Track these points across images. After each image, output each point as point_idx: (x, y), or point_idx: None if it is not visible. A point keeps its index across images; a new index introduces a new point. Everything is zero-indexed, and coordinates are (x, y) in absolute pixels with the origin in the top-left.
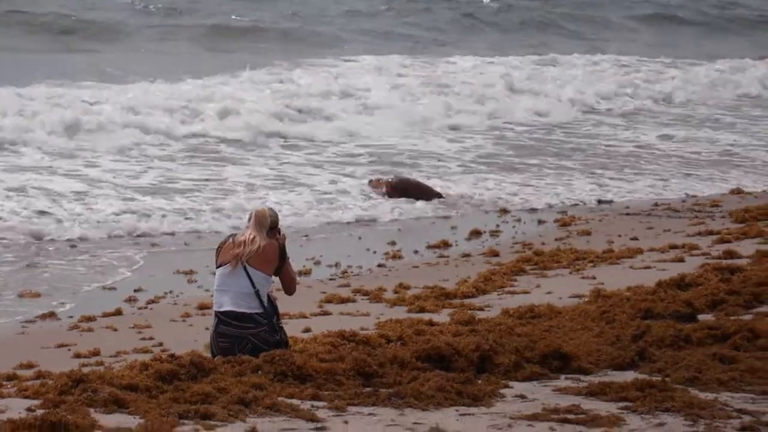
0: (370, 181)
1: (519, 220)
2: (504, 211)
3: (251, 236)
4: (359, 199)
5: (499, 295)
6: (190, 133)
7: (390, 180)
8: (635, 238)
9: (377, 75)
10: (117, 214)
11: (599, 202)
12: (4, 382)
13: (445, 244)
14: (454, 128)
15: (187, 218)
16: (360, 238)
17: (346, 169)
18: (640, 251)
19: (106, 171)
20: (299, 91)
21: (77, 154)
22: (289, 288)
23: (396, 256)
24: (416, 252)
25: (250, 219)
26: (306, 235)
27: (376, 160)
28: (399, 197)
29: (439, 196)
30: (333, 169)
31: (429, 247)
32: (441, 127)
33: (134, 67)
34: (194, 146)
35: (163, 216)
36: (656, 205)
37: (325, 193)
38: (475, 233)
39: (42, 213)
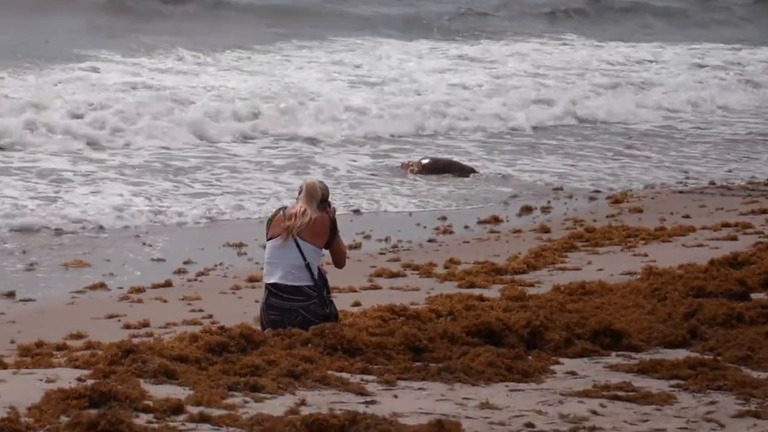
0: (402, 164)
1: (571, 197)
2: (558, 189)
3: (302, 209)
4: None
5: (549, 271)
6: None
7: (420, 160)
8: (687, 216)
9: None
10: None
11: None
12: (54, 352)
13: (496, 220)
14: None
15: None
16: (410, 213)
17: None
18: (692, 229)
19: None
20: None
21: None
22: (339, 261)
23: (446, 231)
24: (467, 227)
25: (300, 192)
26: (357, 210)
27: None
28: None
29: (472, 171)
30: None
31: (480, 222)
32: None
33: None
34: None
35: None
36: (712, 183)
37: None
38: (526, 209)
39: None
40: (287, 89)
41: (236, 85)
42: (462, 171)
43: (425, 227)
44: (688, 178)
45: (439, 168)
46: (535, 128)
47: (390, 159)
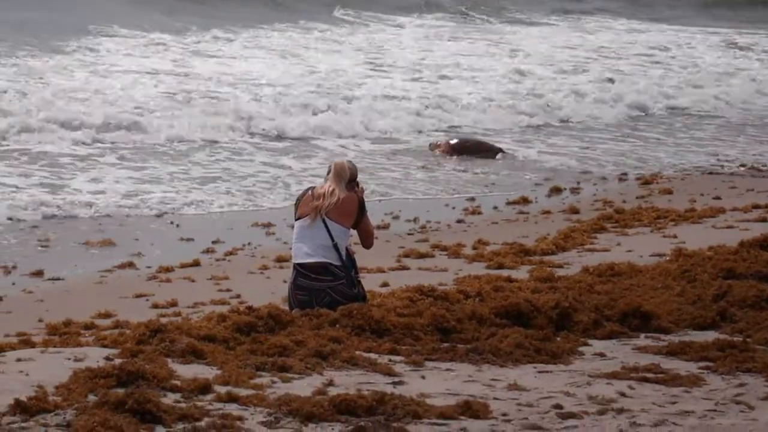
0: (430, 145)
1: (604, 179)
2: (586, 171)
3: (330, 188)
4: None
5: (578, 252)
6: None
7: (449, 141)
8: (718, 198)
9: None
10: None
11: None
12: (82, 331)
13: (525, 201)
14: None
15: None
16: (437, 194)
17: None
18: (722, 211)
19: None
20: None
21: None
22: (367, 241)
23: (475, 212)
24: (495, 208)
25: (329, 171)
26: (385, 194)
27: None
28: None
29: (500, 151)
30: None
31: (509, 203)
32: None
33: None
34: None
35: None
36: (742, 165)
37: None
38: (555, 190)
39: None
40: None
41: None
42: (490, 151)
43: (454, 208)
44: (719, 160)
45: (467, 148)
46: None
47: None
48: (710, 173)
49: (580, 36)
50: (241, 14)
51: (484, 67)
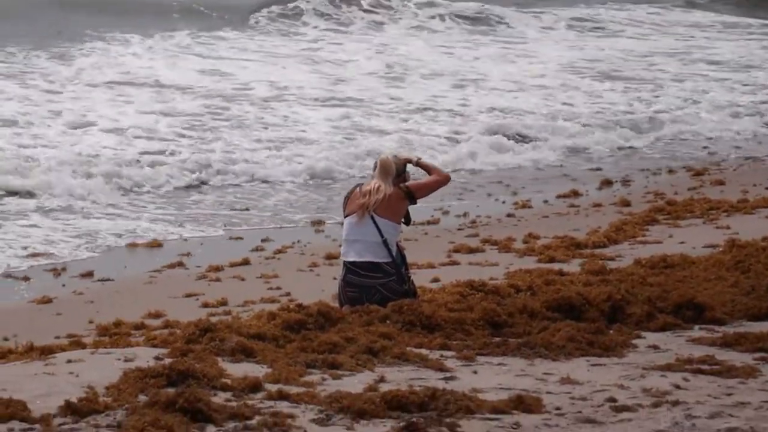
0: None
1: (655, 172)
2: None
3: (376, 185)
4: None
5: (630, 245)
6: None
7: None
8: None
9: None
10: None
11: None
12: (132, 331)
13: (575, 194)
14: None
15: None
16: (488, 191)
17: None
18: None
19: None
20: None
21: None
22: (440, 182)
23: (525, 206)
24: (546, 202)
25: (375, 167)
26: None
27: None
28: None
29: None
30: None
31: (559, 196)
32: None
33: None
34: None
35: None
36: None
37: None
38: (606, 183)
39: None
40: None
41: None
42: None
43: (504, 202)
44: None
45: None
46: None
47: None
48: (763, 162)
49: None
50: None
51: None
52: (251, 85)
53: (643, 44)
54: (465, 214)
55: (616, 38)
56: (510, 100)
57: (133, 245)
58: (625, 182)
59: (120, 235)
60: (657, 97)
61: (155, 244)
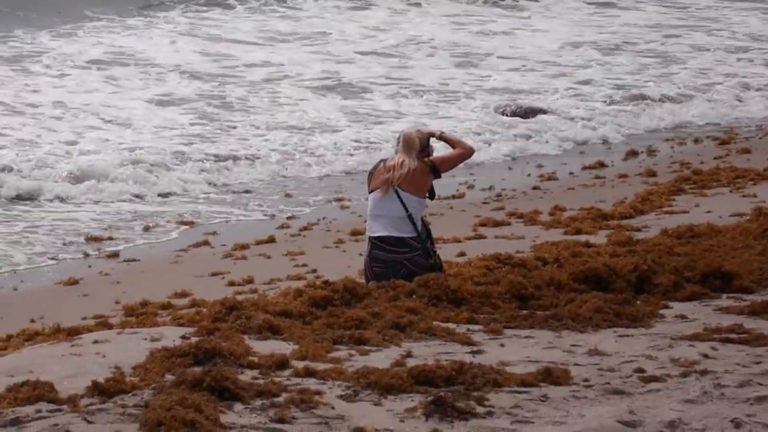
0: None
1: (681, 142)
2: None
3: (400, 160)
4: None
5: (657, 215)
6: None
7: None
8: None
9: None
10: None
11: None
12: (159, 311)
13: (601, 165)
14: None
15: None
16: (513, 160)
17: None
18: None
19: None
20: None
21: None
22: (464, 155)
23: (551, 178)
24: (571, 173)
25: (398, 142)
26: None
27: None
28: None
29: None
30: None
31: (584, 168)
32: None
33: None
34: None
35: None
36: None
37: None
38: (632, 153)
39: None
40: None
41: None
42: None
43: (529, 175)
44: None
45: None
46: None
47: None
48: None
49: None
50: None
51: None
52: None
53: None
54: (490, 188)
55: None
56: (530, 76)
57: (156, 226)
58: (651, 152)
59: (144, 217)
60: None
61: (186, 224)
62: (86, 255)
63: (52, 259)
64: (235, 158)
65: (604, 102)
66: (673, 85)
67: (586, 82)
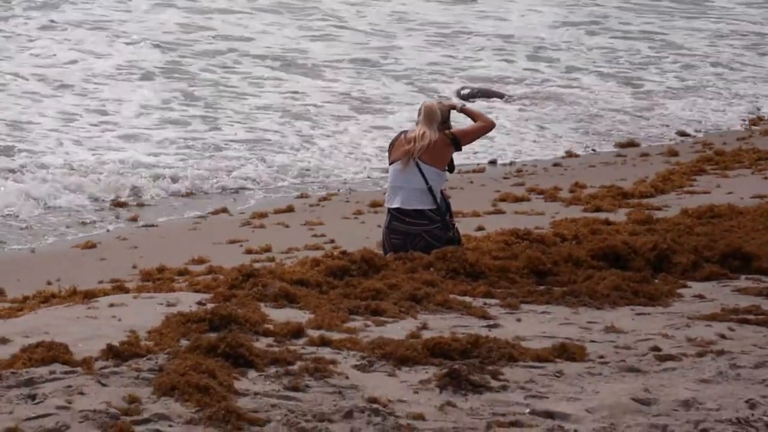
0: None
1: (701, 124)
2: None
3: (421, 131)
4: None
5: (677, 195)
6: None
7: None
8: None
9: None
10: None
11: None
12: (176, 277)
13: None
14: None
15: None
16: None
17: None
18: None
19: None
20: None
21: None
22: (485, 128)
23: (572, 155)
24: (594, 151)
25: (419, 114)
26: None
27: None
28: None
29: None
30: None
31: None
32: None
33: None
34: None
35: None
36: None
37: None
38: None
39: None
40: None
41: None
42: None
43: (550, 151)
44: None
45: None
46: None
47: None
48: None
49: None
50: None
51: None
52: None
53: None
54: (511, 163)
55: None
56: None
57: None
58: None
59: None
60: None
61: (199, 190)
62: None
63: (69, 221)
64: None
65: None
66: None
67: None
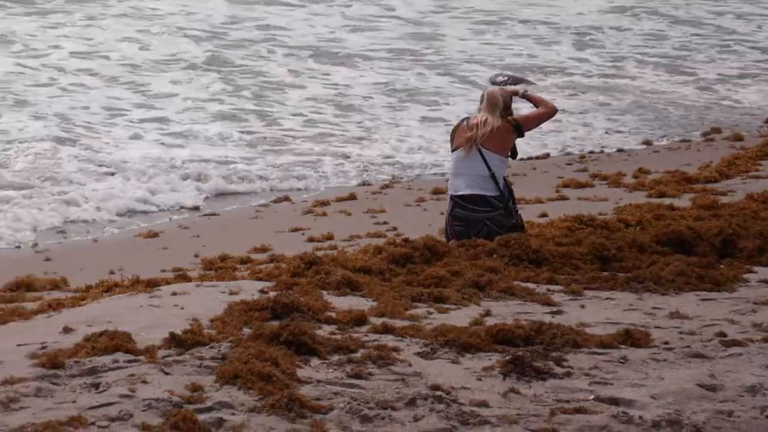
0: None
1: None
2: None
3: (483, 118)
4: None
5: (742, 179)
6: None
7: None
8: None
9: None
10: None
11: None
12: (238, 265)
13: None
14: None
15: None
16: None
17: None
18: None
19: None
20: None
21: None
22: (547, 113)
23: (647, 143)
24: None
25: (482, 101)
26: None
27: None
28: None
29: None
30: None
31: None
32: None
33: None
34: None
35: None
36: None
37: None
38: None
39: None
40: None
41: None
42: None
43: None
44: None
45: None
46: None
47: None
48: None
49: None
50: None
51: None
52: None
53: None
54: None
55: None
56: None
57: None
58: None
59: (227, 165)
60: None
61: (262, 179)
62: (164, 208)
63: (130, 211)
64: None
65: None
66: None
67: None
